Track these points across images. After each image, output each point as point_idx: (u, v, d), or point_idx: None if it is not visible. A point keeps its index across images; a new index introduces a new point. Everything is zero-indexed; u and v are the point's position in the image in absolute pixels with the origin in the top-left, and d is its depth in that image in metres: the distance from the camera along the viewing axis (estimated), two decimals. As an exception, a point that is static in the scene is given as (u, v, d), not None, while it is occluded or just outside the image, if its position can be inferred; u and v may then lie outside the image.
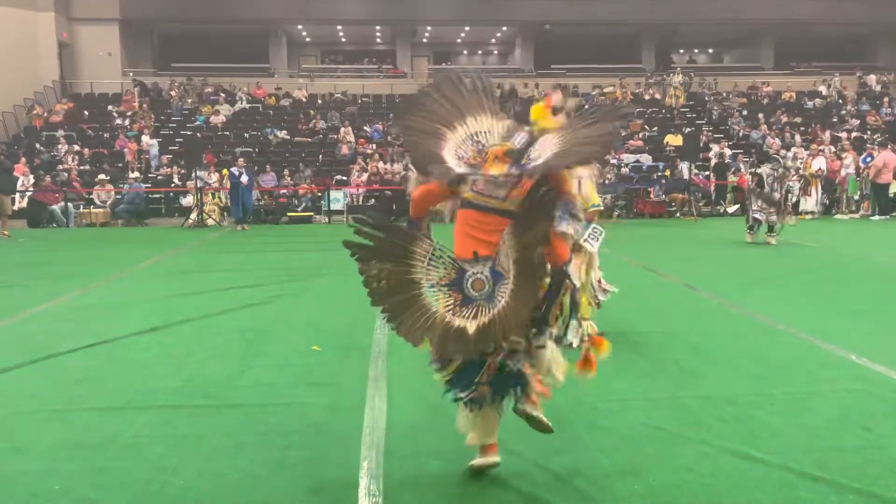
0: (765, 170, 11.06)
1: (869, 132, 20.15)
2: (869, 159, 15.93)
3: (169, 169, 18.25)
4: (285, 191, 17.33)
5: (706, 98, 23.44)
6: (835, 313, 6.23)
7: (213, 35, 28.09)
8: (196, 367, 4.71)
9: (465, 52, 33.58)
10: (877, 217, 15.43)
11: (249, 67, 26.31)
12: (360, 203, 17.77)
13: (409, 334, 2.79)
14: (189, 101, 22.72)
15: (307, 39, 30.93)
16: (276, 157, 19.14)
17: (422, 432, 3.56)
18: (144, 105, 21.63)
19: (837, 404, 3.91)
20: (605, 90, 23.27)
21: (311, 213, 16.64)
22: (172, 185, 17.72)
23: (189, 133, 20.11)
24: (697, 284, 7.40)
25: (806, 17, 25.76)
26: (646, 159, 18.88)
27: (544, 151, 2.67)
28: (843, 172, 16.29)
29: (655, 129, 21.10)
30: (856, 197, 16.34)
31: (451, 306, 2.72)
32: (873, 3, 25.27)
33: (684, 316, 6.05)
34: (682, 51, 31.94)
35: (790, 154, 16.94)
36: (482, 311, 2.68)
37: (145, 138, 19.57)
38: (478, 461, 2.94)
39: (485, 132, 2.85)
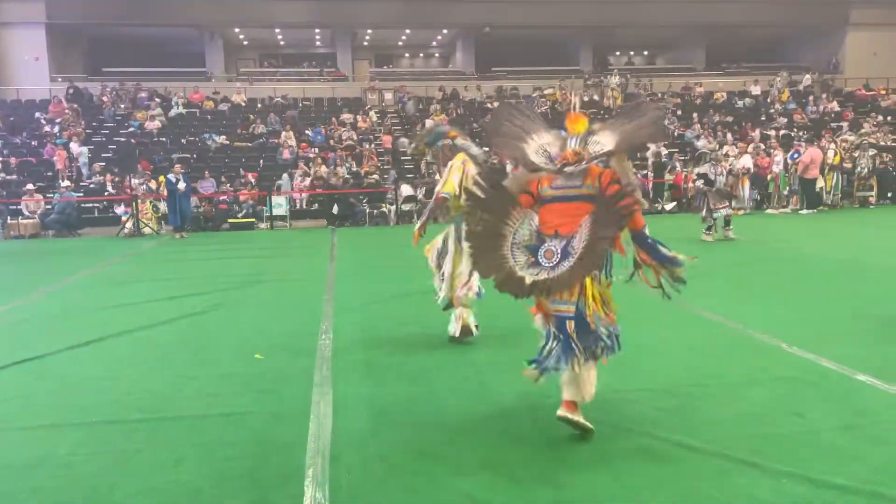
0: (706, 168, 11.38)
1: (796, 129, 21.01)
2: (796, 155, 16.60)
3: (102, 177, 17.64)
4: (225, 197, 16.97)
5: (642, 99, 24.05)
6: (767, 304, 6.47)
7: (145, 39, 27.31)
8: (134, 380, 4.57)
9: (407, 54, 33.57)
10: (805, 211, 16.09)
11: (185, 72, 25.66)
12: (304, 207, 17.57)
13: (481, 269, 3.52)
14: (122, 106, 22.01)
15: (245, 43, 30.39)
16: (215, 163, 18.72)
17: (369, 437, 3.54)
18: (70, 111, 20.82)
19: (770, 392, 4.06)
20: (546, 92, 23.62)
21: (253, 220, 16.33)
22: (106, 193, 17.14)
23: (122, 140, 19.49)
24: (635, 280, 7.55)
25: (733, 20, 26.69)
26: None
27: (603, 142, 3.50)
28: (775, 169, 16.93)
29: (595, 129, 21.52)
30: (785, 192, 17.01)
31: (522, 264, 3.35)
32: (795, 7, 26.37)
33: (624, 311, 6.14)
34: (618, 53, 32.65)
35: (718, 147, 17.50)
36: (542, 273, 3.28)
37: (75, 145, 18.84)
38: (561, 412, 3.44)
39: (548, 143, 3.62)
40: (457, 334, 5.18)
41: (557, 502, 2.85)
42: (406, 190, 16.55)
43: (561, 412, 3.39)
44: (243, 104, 22.85)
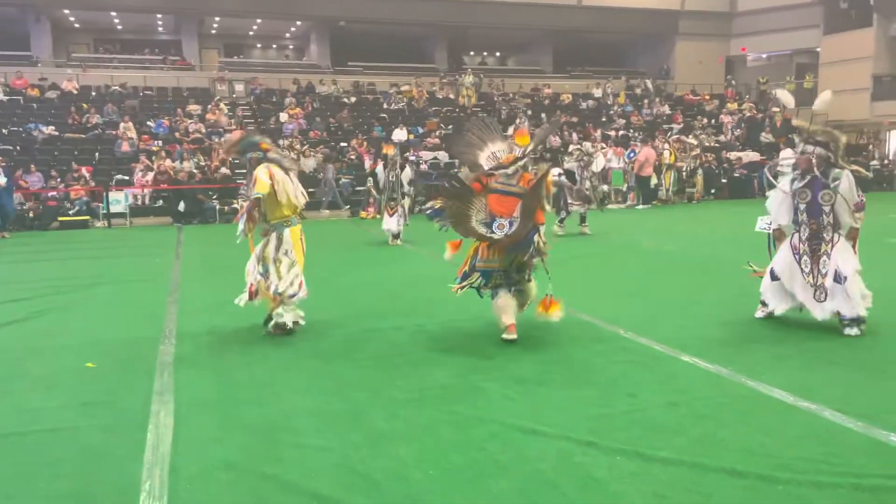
0: (572, 165, 11.89)
1: (632, 130, 22.61)
2: (633, 154, 17.90)
3: None
4: (55, 193, 15.54)
5: (495, 98, 24.81)
6: (607, 293, 6.91)
7: (-44, 16, 24.37)
8: (-62, 398, 4.06)
9: (259, 45, 32.38)
10: (641, 206, 17.39)
11: (6, 55, 23.15)
12: (147, 204, 16.49)
13: (461, 232, 5.01)
14: (-72, 91, 19.53)
15: (76, 26, 27.94)
16: (42, 156, 17.09)
17: (213, 445, 3.37)
18: None
19: (607, 375, 4.33)
20: (402, 89, 23.73)
21: (88, 218, 15.08)
22: None
23: (-71, 128, 17.28)
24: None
25: (577, 26, 28.22)
26: (443, 156, 19.55)
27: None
28: (606, 167, 18.11)
29: (450, 127, 21.91)
30: (623, 188, 18.28)
31: (484, 232, 4.90)
32: (632, 16, 28.32)
33: (471, 303, 6.32)
34: (472, 53, 33.46)
35: (588, 145, 18.45)
36: (500, 234, 4.86)
37: None
38: (505, 335, 4.98)
39: (498, 150, 5.30)
40: (290, 324, 5.32)
41: (409, 496, 2.86)
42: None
43: (507, 336, 4.96)
44: (75, 92, 21.00)
